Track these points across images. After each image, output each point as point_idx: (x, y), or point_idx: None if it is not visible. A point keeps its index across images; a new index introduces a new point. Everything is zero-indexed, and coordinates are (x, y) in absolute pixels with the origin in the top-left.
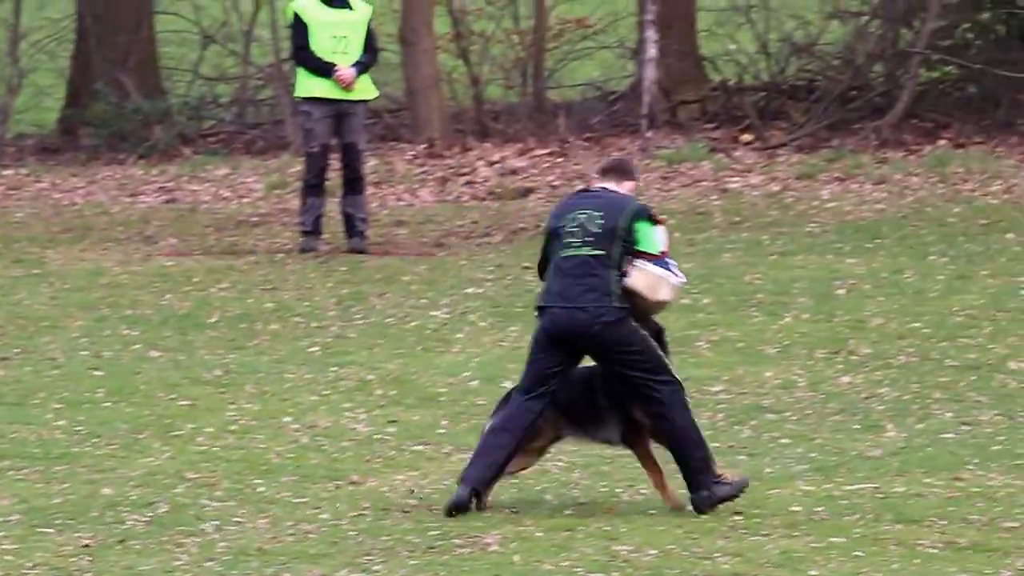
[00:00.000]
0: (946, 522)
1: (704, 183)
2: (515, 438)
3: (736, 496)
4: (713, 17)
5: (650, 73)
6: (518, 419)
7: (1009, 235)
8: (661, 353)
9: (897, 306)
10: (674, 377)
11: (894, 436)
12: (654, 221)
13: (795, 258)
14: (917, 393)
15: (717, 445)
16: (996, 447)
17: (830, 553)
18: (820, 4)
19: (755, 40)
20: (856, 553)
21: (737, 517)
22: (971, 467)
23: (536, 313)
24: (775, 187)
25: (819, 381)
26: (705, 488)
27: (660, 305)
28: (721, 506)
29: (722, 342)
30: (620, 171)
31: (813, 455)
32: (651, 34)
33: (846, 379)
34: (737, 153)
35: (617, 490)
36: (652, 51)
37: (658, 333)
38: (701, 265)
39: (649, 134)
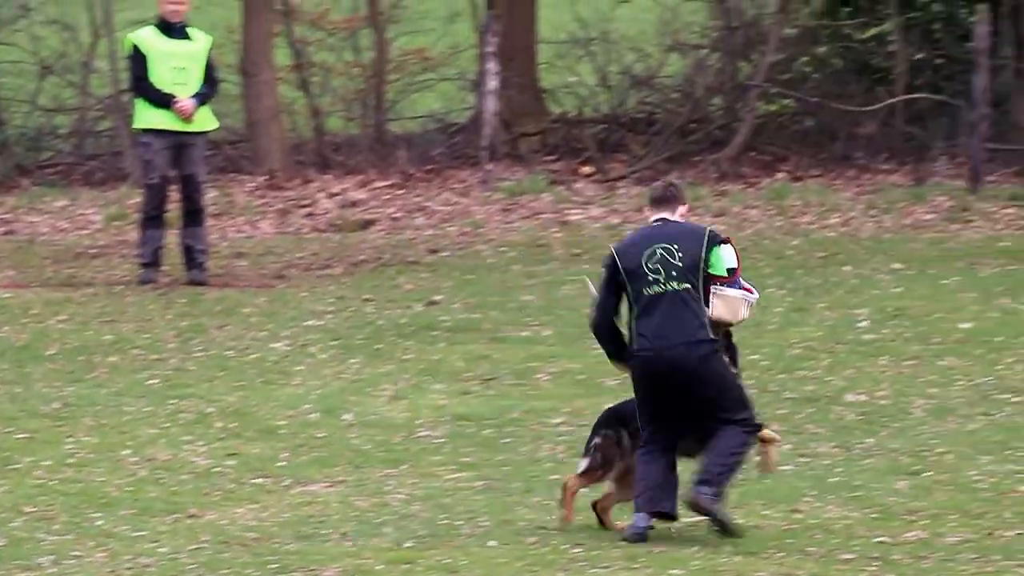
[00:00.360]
0: (784, 554)
1: (544, 215)
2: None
3: (723, 528)
4: (553, 50)
5: (491, 105)
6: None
7: (846, 267)
8: (743, 385)
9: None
10: (752, 411)
11: None
12: (724, 240)
13: None
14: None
15: (557, 477)
16: (833, 479)
17: None
18: (659, 37)
19: (595, 73)
20: None
21: (577, 550)
22: (809, 499)
23: (629, 358)
24: (615, 219)
25: None
26: (718, 492)
27: (740, 323)
28: (688, 520)
29: (562, 374)
30: (671, 199)
31: None
32: (491, 66)
33: None
34: (577, 185)
35: (457, 523)
36: (492, 83)
37: (731, 347)
38: (541, 297)
39: (489, 166)
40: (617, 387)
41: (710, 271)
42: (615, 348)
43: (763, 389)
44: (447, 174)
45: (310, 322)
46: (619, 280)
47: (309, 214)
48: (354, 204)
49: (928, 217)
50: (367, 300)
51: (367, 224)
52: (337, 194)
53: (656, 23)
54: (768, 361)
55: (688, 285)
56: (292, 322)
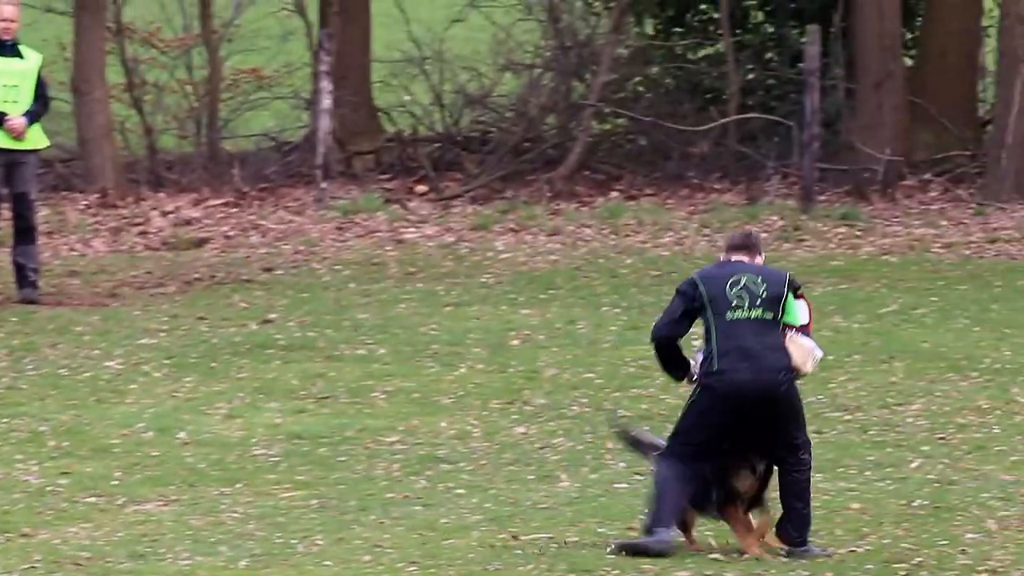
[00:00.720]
0: (619, 572)
1: (379, 234)
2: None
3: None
4: (387, 68)
5: (325, 124)
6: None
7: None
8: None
9: (571, 356)
10: (807, 435)
11: (568, 486)
12: (800, 295)
13: (470, 309)
14: (591, 443)
15: (392, 496)
16: None
17: None
18: (493, 56)
19: (429, 91)
20: None
21: (412, 568)
22: (643, 517)
23: (704, 377)
24: (450, 238)
25: (494, 431)
26: (803, 541)
27: (802, 376)
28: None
29: (397, 392)
30: (751, 247)
31: (488, 505)
32: (325, 85)
33: (520, 429)
34: (412, 204)
35: (292, 541)
36: (326, 102)
37: None
38: (376, 315)
39: (324, 185)
40: (452, 405)
41: (786, 316)
42: (676, 369)
43: (598, 407)
44: (281, 192)
45: (143, 340)
46: (696, 306)
47: (142, 232)
48: (188, 222)
49: (760, 236)
50: (201, 318)
51: (201, 242)
52: (170, 212)
53: (490, 42)
54: (603, 379)
55: (771, 315)
56: (125, 340)
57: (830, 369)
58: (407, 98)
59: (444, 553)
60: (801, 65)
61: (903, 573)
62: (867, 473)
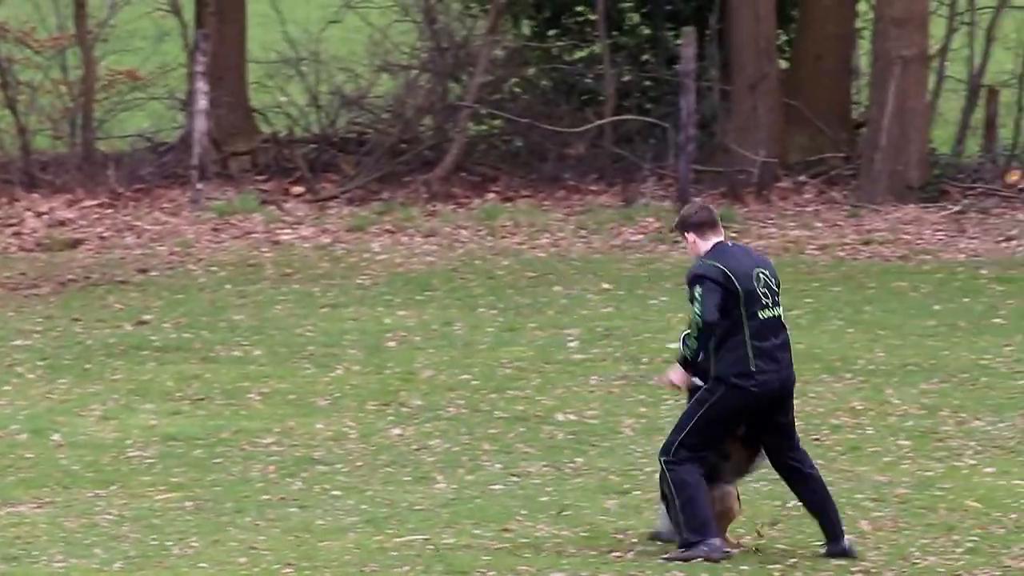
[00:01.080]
0: (495, 573)
1: (255, 235)
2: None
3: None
4: (264, 69)
5: (200, 124)
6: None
7: (556, 288)
8: None
9: (447, 358)
10: None
11: (444, 488)
12: None
13: (346, 310)
14: (467, 445)
15: (268, 497)
16: (544, 498)
17: None
18: (370, 57)
19: (305, 92)
20: None
21: (288, 570)
22: (520, 518)
23: (743, 378)
24: (326, 239)
25: (370, 433)
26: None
27: None
28: None
29: (273, 394)
30: (718, 220)
31: (364, 507)
32: (201, 85)
33: (397, 431)
34: (288, 205)
35: (168, 543)
36: (202, 103)
37: None
38: (253, 317)
39: (200, 185)
40: (328, 407)
41: None
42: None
43: (474, 409)
44: (157, 193)
45: (17, 342)
46: (732, 300)
47: (16, 233)
48: (62, 223)
49: (637, 238)
50: (75, 320)
51: (75, 243)
52: (45, 213)
53: (366, 43)
54: (479, 381)
55: (780, 309)
56: None
57: None
58: (283, 99)
59: (320, 555)
60: (677, 67)
61: (777, 574)
62: None
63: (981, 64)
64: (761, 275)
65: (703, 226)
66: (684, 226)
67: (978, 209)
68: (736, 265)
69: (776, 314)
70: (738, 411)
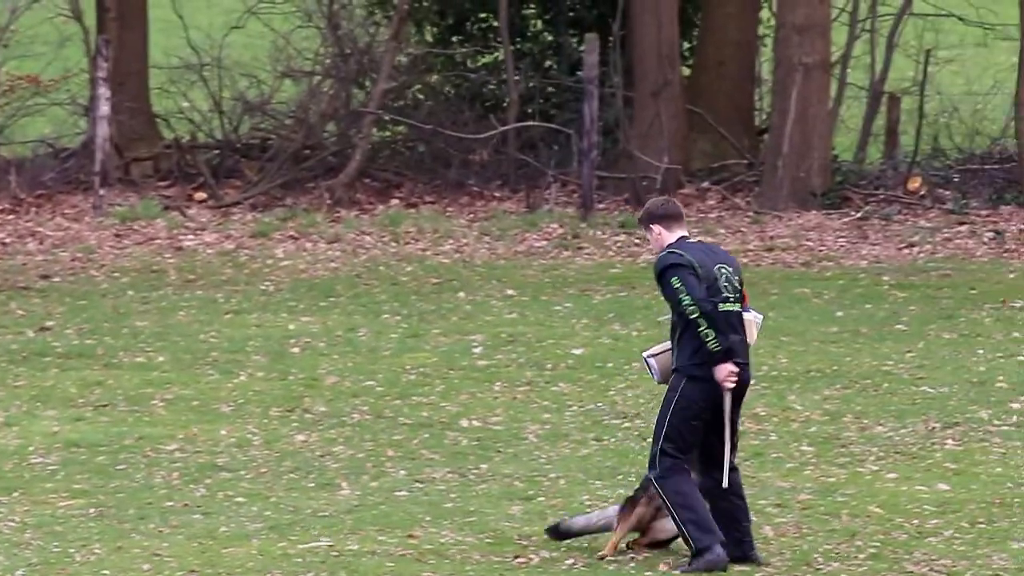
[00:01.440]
0: None
1: (158, 241)
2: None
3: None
4: (166, 75)
5: (102, 130)
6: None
7: (460, 294)
8: None
9: (351, 364)
10: None
11: (348, 494)
12: None
13: (250, 316)
14: (371, 451)
15: (172, 504)
16: (448, 504)
17: None
18: (273, 63)
19: (208, 98)
20: None
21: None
22: (424, 524)
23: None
24: (230, 245)
25: (274, 439)
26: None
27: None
28: None
29: (177, 400)
30: (682, 213)
31: (268, 513)
32: (103, 91)
33: (301, 437)
34: (191, 211)
35: (71, 550)
36: (104, 108)
37: None
38: (156, 323)
39: (102, 191)
40: (232, 413)
41: None
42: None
43: (378, 415)
44: (59, 199)
45: None
46: (701, 283)
47: None
48: None
49: (540, 244)
50: None
51: None
52: None
53: (269, 49)
54: (383, 387)
55: (740, 305)
56: None
57: (609, 377)
58: (186, 104)
59: (224, 562)
60: (580, 73)
61: None
62: None
63: (882, 71)
64: (723, 271)
65: (669, 218)
66: (651, 218)
67: (880, 216)
68: (702, 258)
69: (736, 308)
70: (703, 402)
